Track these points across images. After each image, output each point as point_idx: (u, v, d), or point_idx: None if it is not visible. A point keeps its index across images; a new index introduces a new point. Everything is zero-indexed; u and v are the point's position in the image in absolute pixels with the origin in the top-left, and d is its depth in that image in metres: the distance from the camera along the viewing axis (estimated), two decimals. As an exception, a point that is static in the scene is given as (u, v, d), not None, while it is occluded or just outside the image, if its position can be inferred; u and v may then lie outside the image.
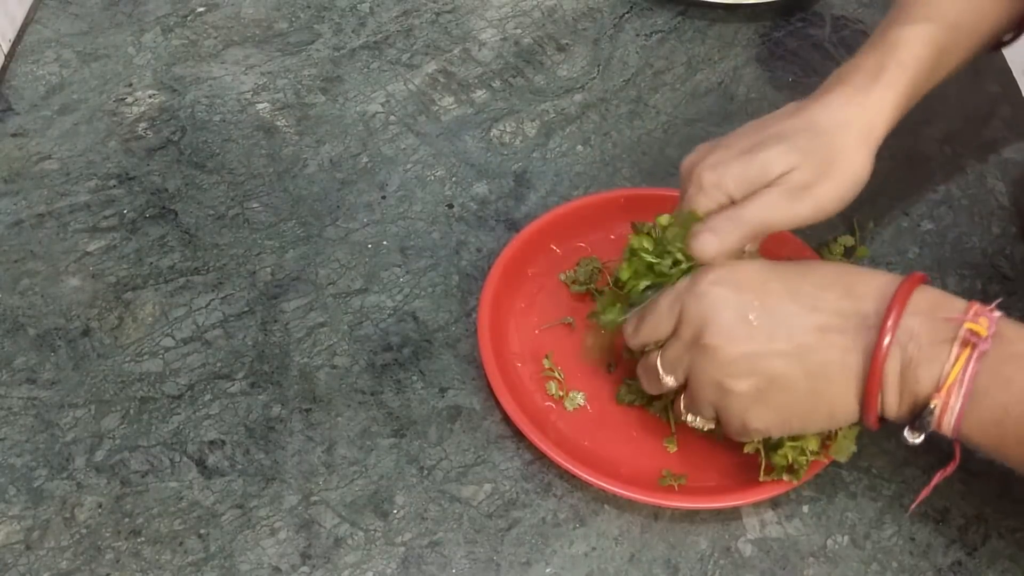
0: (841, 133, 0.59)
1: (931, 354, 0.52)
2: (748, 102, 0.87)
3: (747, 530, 0.62)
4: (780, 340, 0.54)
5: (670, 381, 0.59)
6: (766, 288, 0.55)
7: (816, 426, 0.58)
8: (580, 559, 0.61)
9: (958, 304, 0.53)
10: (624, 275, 0.61)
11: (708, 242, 0.57)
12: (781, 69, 0.89)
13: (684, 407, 0.60)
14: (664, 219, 0.60)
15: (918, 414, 0.53)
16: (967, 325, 0.51)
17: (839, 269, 0.57)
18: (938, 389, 0.52)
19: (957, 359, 0.51)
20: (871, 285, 0.54)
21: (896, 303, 0.52)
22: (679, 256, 0.59)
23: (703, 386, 0.57)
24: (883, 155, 0.82)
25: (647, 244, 0.60)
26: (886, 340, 0.52)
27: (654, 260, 0.59)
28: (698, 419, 0.60)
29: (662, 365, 0.58)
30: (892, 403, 0.54)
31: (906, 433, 0.54)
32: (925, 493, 0.57)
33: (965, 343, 0.51)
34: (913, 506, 0.62)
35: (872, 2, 0.96)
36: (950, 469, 0.55)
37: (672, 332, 0.57)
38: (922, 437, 0.53)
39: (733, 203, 0.58)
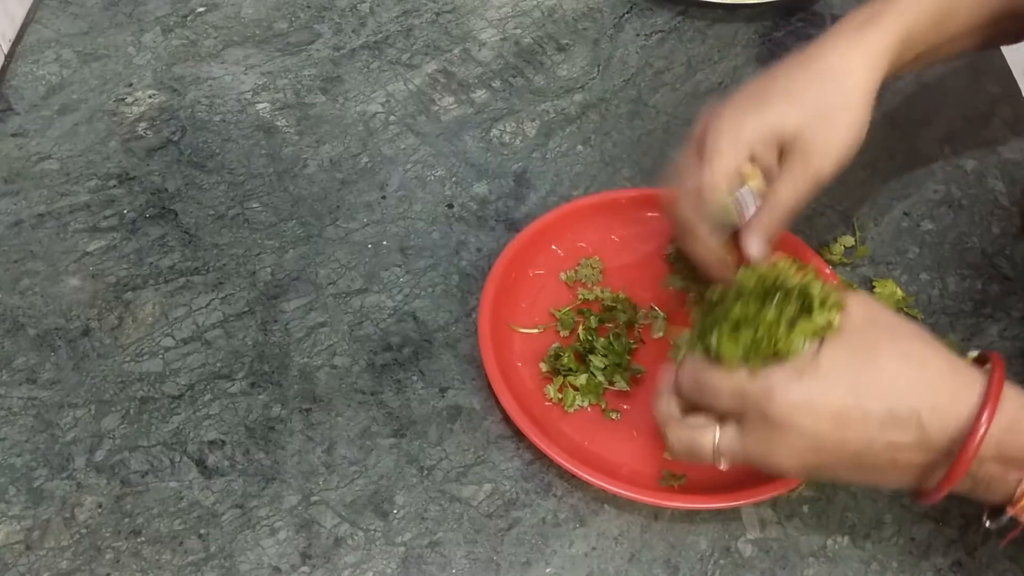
0: (844, 80, 0.61)
1: (1001, 477, 0.50)
2: (748, 102, 0.87)
3: (747, 530, 0.62)
4: (846, 459, 0.51)
5: (722, 464, 0.54)
6: (846, 421, 0.50)
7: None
8: (580, 559, 0.61)
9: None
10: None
11: (758, 246, 0.61)
12: (781, 69, 0.89)
13: (720, 447, 0.54)
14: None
15: (993, 510, 0.52)
16: None
17: (919, 369, 0.51)
18: (1012, 505, 0.51)
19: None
20: (953, 399, 0.50)
21: (976, 434, 0.48)
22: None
23: (753, 457, 0.53)
24: (883, 155, 0.82)
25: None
26: (961, 475, 0.49)
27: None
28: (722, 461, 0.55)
29: (717, 451, 0.53)
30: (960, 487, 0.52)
31: (985, 520, 0.53)
32: (1005, 543, 0.55)
33: None
34: (1004, 544, 0.58)
35: (872, 2, 0.96)
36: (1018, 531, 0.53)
37: (727, 415, 0.53)
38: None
39: (752, 160, 0.61)
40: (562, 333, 0.70)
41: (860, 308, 0.52)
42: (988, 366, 0.51)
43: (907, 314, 0.71)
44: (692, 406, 0.55)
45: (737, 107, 0.62)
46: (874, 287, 0.73)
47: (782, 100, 0.62)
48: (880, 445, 0.50)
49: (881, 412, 0.50)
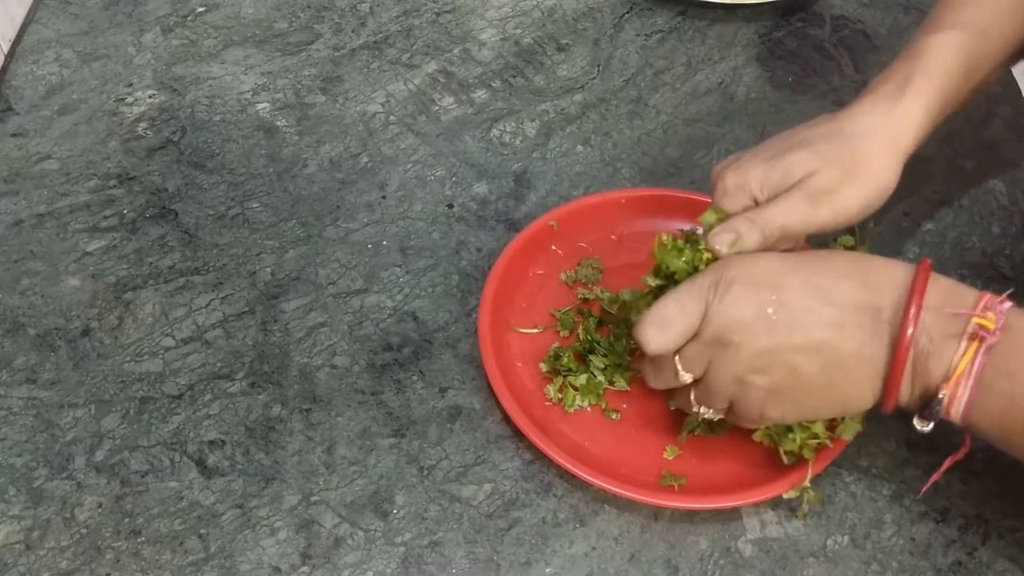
0: (866, 140, 0.60)
1: (941, 347, 0.53)
2: (748, 102, 0.87)
3: (747, 530, 0.62)
4: (799, 335, 0.55)
5: (687, 378, 0.58)
6: (783, 283, 0.55)
7: (829, 413, 0.59)
8: (580, 559, 0.61)
9: (968, 296, 0.54)
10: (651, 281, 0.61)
11: (725, 241, 0.59)
12: (781, 69, 0.89)
13: (696, 399, 0.60)
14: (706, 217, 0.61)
15: (928, 403, 0.54)
16: (975, 320, 0.52)
17: (853, 259, 0.58)
18: (947, 380, 0.53)
19: (965, 352, 0.52)
20: (886, 276, 0.55)
21: (915, 296, 0.53)
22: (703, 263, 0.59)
23: (723, 382, 0.57)
24: (883, 155, 0.82)
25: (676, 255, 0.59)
26: (908, 332, 0.52)
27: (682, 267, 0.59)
28: (709, 410, 0.60)
29: (681, 363, 0.58)
30: (904, 392, 0.55)
31: (915, 421, 0.55)
32: (936, 476, 0.58)
33: (973, 336, 0.52)
34: (924, 489, 0.62)
35: (872, 2, 0.96)
36: (961, 454, 0.56)
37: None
38: (931, 425, 0.55)
39: (757, 205, 0.60)
40: (562, 333, 0.70)
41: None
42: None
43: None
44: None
45: (752, 157, 0.61)
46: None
47: (798, 149, 0.60)
48: (828, 320, 0.54)
49: (824, 291, 0.55)
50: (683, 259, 0.59)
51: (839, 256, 0.59)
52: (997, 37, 0.65)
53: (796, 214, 0.59)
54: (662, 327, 0.57)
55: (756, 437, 0.62)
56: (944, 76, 0.62)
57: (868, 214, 0.61)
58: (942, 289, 0.54)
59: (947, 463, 0.57)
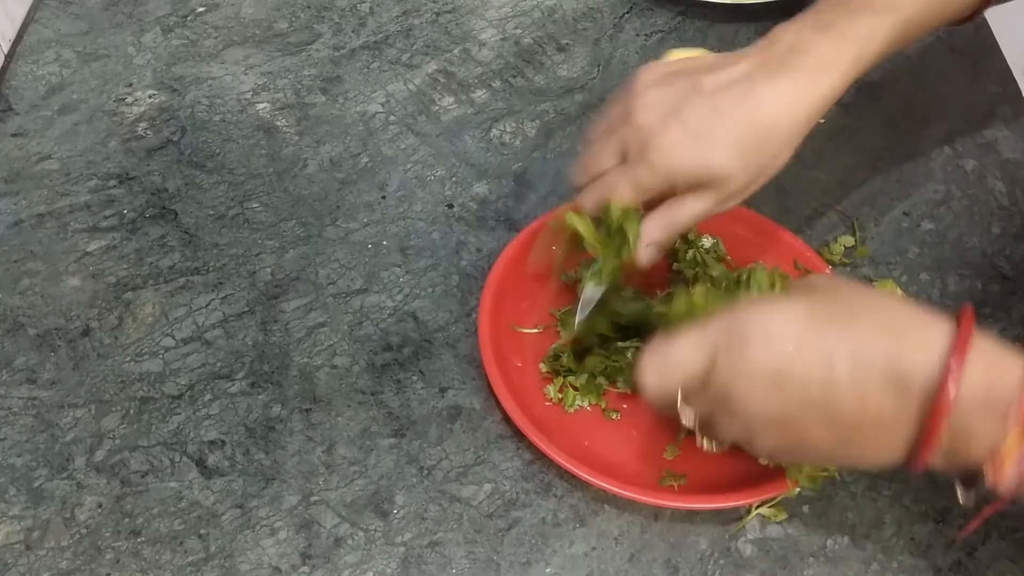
0: (782, 129, 0.57)
1: (983, 429, 0.47)
2: (748, 102, 0.87)
3: (747, 530, 0.62)
4: (814, 409, 0.50)
5: (689, 421, 0.55)
6: (802, 346, 0.50)
7: (842, 466, 0.58)
8: (580, 559, 0.61)
9: (1014, 369, 0.48)
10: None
11: (650, 255, 0.60)
12: (781, 69, 0.89)
13: (699, 430, 0.57)
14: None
15: (970, 477, 0.50)
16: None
17: (888, 313, 0.51)
18: (991, 461, 0.48)
19: (1008, 437, 0.47)
20: (922, 338, 0.49)
21: (951, 374, 0.47)
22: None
23: (727, 430, 0.54)
24: (883, 155, 0.82)
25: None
26: (943, 419, 0.47)
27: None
28: (713, 443, 0.58)
29: (683, 405, 0.54)
30: (936, 461, 0.50)
31: (959, 493, 0.51)
32: (977, 524, 0.53)
33: (1019, 422, 0.47)
34: (965, 532, 0.60)
35: (872, 2, 0.96)
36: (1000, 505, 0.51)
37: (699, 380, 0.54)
38: (974, 494, 0.51)
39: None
40: (563, 334, 0.70)
41: (823, 279, 0.56)
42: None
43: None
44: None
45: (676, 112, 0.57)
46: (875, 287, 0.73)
47: (721, 148, 0.57)
48: (847, 380, 0.49)
49: (847, 357, 0.49)
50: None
51: (873, 307, 0.51)
52: None
53: (707, 212, 0.59)
54: (662, 376, 0.54)
55: (763, 461, 0.61)
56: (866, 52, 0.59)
57: (758, 184, 0.59)
58: (985, 358, 0.48)
59: (988, 511, 0.51)
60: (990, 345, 0.48)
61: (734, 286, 0.62)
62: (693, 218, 0.59)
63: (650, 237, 0.60)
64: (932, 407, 0.47)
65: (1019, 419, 0.47)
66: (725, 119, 0.57)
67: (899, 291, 0.72)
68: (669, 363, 0.53)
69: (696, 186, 0.58)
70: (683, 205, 0.59)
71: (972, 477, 0.49)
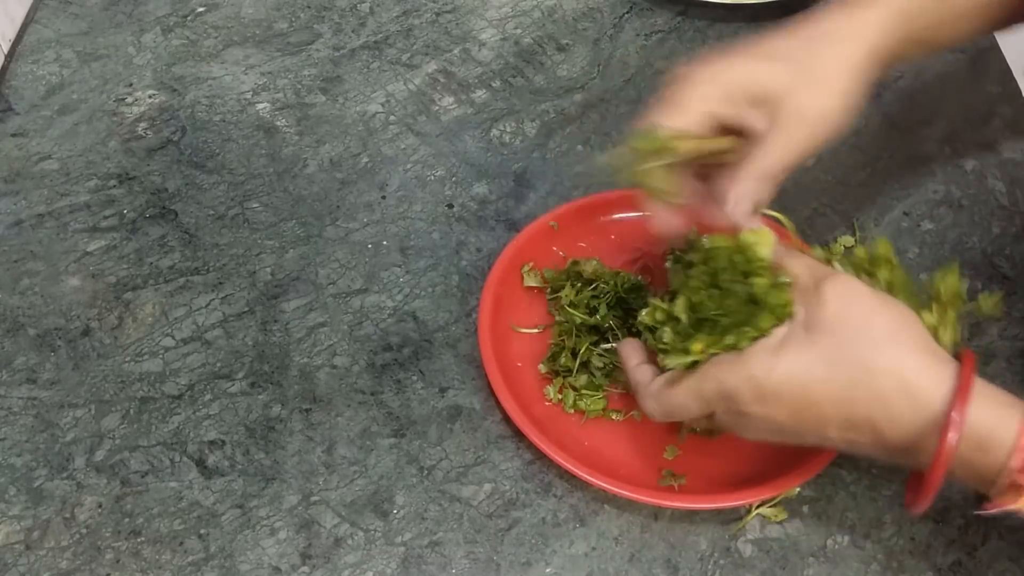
0: (837, 45, 0.58)
1: (980, 462, 0.50)
2: (748, 102, 0.87)
3: (747, 530, 0.62)
4: (812, 440, 0.55)
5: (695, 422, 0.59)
6: (798, 421, 0.53)
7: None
8: (580, 559, 0.61)
9: (1005, 435, 0.49)
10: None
11: (742, 211, 0.58)
12: (781, 69, 0.89)
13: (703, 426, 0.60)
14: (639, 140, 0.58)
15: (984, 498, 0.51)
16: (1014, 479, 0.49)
17: (883, 385, 0.51)
18: (995, 497, 0.50)
19: (1009, 494, 0.50)
20: (914, 406, 0.50)
21: (940, 460, 0.49)
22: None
23: (735, 432, 0.57)
24: (883, 155, 0.82)
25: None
26: (940, 479, 0.50)
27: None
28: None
29: (690, 420, 0.58)
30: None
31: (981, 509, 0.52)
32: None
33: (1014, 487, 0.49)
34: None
35: (872, 2, 0.96)
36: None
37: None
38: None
39: (714, 115, 0.58)
40: (562, 338, 0.70)
41: (834, 301, 0.52)
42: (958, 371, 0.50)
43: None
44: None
45: (714, 60, 0.59)
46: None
47: (767, 58, 0.58)
48: (839, 439, 0.53)
49: (837, 417, 0.52)
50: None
51: (874, 368, 0.51)
52: None
53: (796, 145, 0.58)
54: (666, 416, 0.58)
55: None
56: None
57: (842, 122, 0.59)
58: (978, 428, 0.49)
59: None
60: (986, 406, 0.50)
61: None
62: (775, 162, 0.58)
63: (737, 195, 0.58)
64: (927, 477, 0.50)
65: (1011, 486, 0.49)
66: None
67: (893, 258, 0.68)
68: (671, 410, 0.57)
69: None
70: (766, 145, 0.58)
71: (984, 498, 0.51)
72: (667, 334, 0.56)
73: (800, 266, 0.54)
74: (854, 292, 0.53)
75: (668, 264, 0.64)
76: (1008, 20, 0.67)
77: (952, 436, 0.48)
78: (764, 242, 0.55)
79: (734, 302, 0.54)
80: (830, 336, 0.51)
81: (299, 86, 0.86)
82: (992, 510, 0.50)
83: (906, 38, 0.61)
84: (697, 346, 0.54)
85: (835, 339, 0.51)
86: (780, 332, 0.53)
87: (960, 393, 0.49)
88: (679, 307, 0.56)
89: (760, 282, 0.54)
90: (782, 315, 0.53)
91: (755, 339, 0.53)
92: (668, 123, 0.58)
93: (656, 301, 0.58)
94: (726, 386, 0.53)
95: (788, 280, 0.54)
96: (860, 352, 0.51)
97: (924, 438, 0.50)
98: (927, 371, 0.50)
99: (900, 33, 0.60)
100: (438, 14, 0.93)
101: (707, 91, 0.58)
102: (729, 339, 0.53)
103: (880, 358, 0.51)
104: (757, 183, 0.58)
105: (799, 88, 0.57)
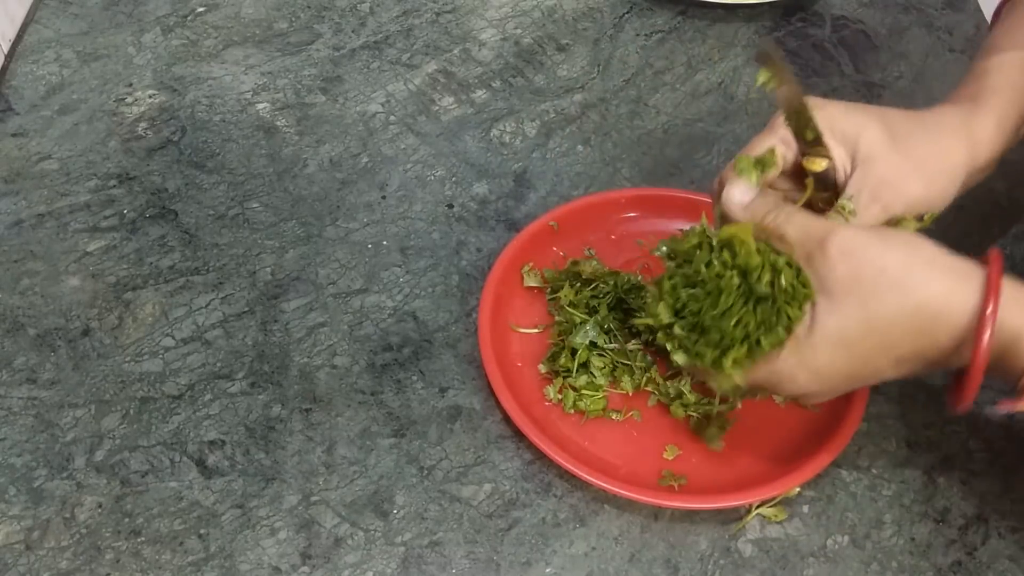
0: (943, 139, 0.60)
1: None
2: (748, 102, 0.87)
3: (747, 530, 0.62)
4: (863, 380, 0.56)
5: None
6: (856, 373, 0.55)
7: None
8: (580, 559, 0.61)
9: None
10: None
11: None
12: (781, 69, 0.89)
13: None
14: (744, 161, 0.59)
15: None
16: None
17: (914, 322, 0.53)
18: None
19: None
20: (951, 338, 0.52)
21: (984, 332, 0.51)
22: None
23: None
24: (883, 155, 0.82)
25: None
26: (979, 378, 0.52)
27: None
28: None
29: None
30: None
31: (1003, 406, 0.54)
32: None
33: None
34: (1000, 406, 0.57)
35: (872, 2, 0.96)
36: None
37: None
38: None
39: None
40: (562, 338, 0.70)
41: (842, 260, 0.53)
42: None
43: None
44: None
45: (828, 102, 0.61)
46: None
47: (869, 115, 0.60)
48: (895, 374, 0.54)
49: (888, 360, 0.53)
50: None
51: (902, 305, 0.53)
52: None
53: (863, 207, 0.59)
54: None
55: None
56: (1012, 93, 0.62)
57: (927, 204, 0.61)
58: (1008, 322, 0.51)
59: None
60: (1019, 294, 0.52)
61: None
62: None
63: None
64: (971, 362, 0.51)
65: None
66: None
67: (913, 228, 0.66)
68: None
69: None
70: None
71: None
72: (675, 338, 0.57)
73: (796, 229, 0.55)
74: (859, 243, 0.53)
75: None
76: None
77: (986, 336, 0.50)
78: (743, 231, 0.55)
79: (738, 302, 0.54)
80: (851, 295, 0.52)
81: (299, 86, 0.86)
82: (1004, 409, 0.52)
83: (1010, 138, 0.64)
84: (713, 353, 0.55)
85: (857, 297, 0.52)
86: (808, 310, 0.54)
87: (990, 293, 0.51)
88: (661, 309, 0.56)
89: (764, 279, 0.53)
90: (802, 298, 0.53)
91: (790, 328, 0.54)
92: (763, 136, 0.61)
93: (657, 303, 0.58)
94: (782, 376, 0.55)
95: (785, 259, 0.54)
96: (885, 299, 0.52)
97: (964, 344, 0.52)
98: (953, 291, 0.52)
99: (1007, 136, 0.63)
100: (438, 14, 0.93)
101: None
102: (765, 344, 0.54)
103: (906, 297, 0.52)
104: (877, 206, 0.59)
105: (903, 171, 0.59)
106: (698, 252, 0.56)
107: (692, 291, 0.55)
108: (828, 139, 0.59)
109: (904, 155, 0.59)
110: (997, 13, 0.70)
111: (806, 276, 0.53)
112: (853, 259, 0.52)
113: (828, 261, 0.53)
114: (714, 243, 0.55)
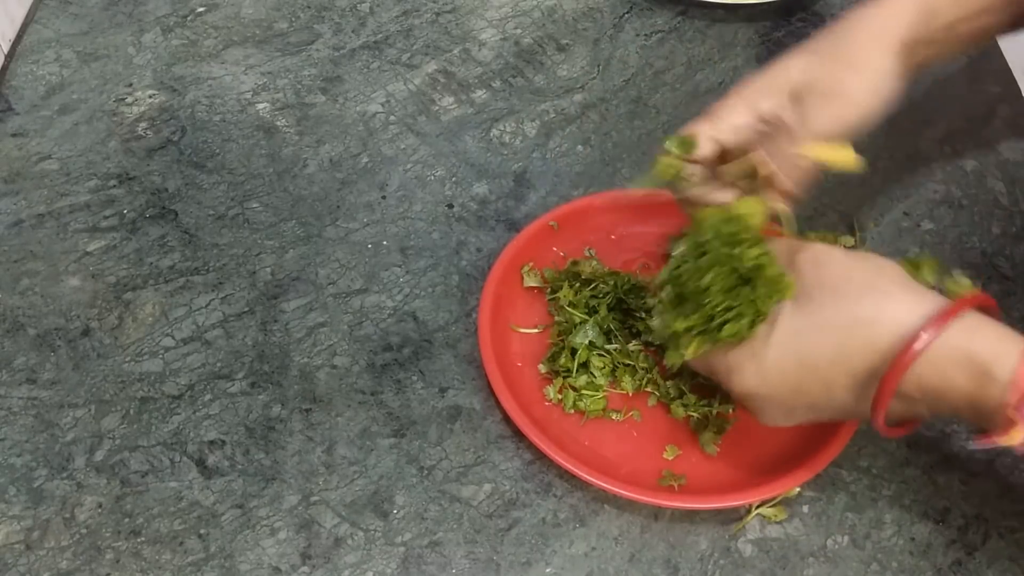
0: (857, 31, 0.61)
1: (962, 382, 0.49)
2: (748, 102, 0.87)
3: (747, 530, 0.62)
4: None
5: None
6: (803, 383, 0.54)
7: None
8: (580, 559, 0.61)
9: (1010, 345, 0.49)
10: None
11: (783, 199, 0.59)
12: (781, 69, 0.89)
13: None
14: (671, 142, 0.61)
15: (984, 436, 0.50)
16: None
17: (865, 314, 0.52)
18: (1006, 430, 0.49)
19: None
20: (898, 321, 0.51)
21: (923, 330, 0.49)
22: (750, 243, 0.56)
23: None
24: (883, 155, 0.82)
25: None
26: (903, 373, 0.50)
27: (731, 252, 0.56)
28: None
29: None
30: (897, 411, 0.52)
31: (974, 443, 0.52)
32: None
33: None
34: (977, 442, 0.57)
35: (872, 2, 0.96)
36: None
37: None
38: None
39: (758, 116, 0.60)
40: (562, 338, 0.70)
41: (809, 267, 0.54)
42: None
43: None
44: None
45: (761, 71, 0.62)
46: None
47: (802, 52, 0.61)
48: (849, 401, 0.53)
49: (840, 375, 0.52)
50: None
51: (859, 315, 0.52)
52: None
53: (822, 120, 0.59)
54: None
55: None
56: None
57: (880, 106, 0.60)
58: (976, 327, 0.50)
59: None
60: (991, 322, 0.50)
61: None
62: (812, 130, 0.60)
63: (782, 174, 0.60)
64: (887, 370, 0.50)
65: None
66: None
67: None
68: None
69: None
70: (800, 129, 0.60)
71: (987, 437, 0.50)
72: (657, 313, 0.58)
73: (777, 245, 0.56)
74: (827, 254, 0.54)
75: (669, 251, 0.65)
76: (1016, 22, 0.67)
77: (915, 345, 0.49)
78: (756, 212, 0.56)
79: (722, 280, 0.54)
80: (813, 301, 0.53)
81: (299, 86, 0.86)
82: (983, 443, 0.50)
83: (928, 37, 0.62)
84: (680, 325, 0.55)
85: (817, 302, 0.52)
86: (775, 310, 0.54)
87: (940, 316, 0.49)
88: (661, 277, 0.58)
89: (751, 253, 0.54)
90: (781, 289, 0.53)
91: (754, 324, 0.54)
92: (703, 124, 0.62)
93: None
94: (730, 365, 0.55)
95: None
96: (844, 307, 0.52)
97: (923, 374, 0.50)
98: (912, 310, 0.50)
99: (923, 28, 0.62)
100: (438, 14, 0.93)
101: (741, 96, 0.61)
102: (726, 331, 0.54)
103: (864, 309, 0.51)
104: (791, 159, 0.59)
105: (831, 70, 0.59)
106: (707, 221, 0.57)
107: (690, 263, 0.56)
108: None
109: (831, 62, 0.60)
110: None
111: (791, 279, 0.54)
112: (819, 267, 0.53)
113: (797, 269, 0.54)
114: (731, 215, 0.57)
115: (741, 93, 0.62)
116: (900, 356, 0.49)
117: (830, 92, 0.59)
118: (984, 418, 0.50)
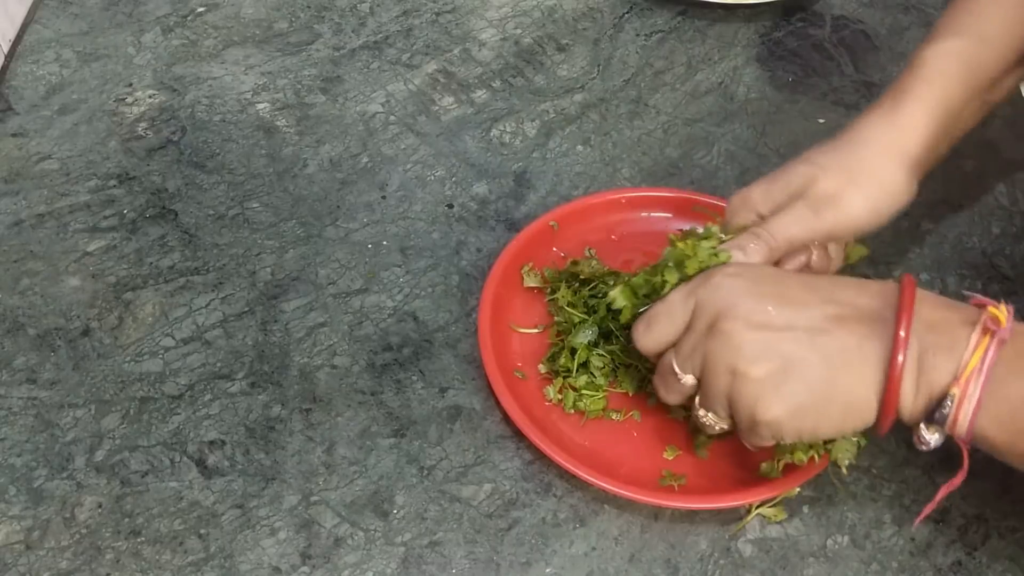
0: (866, 146, 0.61)
1: (950, 341, 0.51)
2: (748, 102, 0.87)
3: (747, 530, 0.62)
4: (797, 325, 0.54)
5: (689, 380, 0.57)
6: (782, 281, 0.56)
7: (830, 422, 0.55)
8: (580, 559, 0.61)
9: (962, 307, 0.53)
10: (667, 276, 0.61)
11: (735, 258, 0.60)
12: (781, 69, 0.89)
13: (698, 403, 0.58)
14: (707, 230, 0.63)
15: (935, 407, 0.52)
16: (990, 310, 0.51)
17: (847, 277, 0.58)
18: (956, 378, 0.51)
19: (977, 346, 0.50)
20: (879, 286, 0.55)
21: (907, 296, 0.52)
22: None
23: (717, 374, 0.55)
24: (883, 155, 0.82)
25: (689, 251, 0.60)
26: (902, 331, 0.51)
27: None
28: (710, 415, 0.58)
29: (677, 362, 0.57)
30: (908, 393, 0.52)
31: (922, 431, 0.53)
32: (931, 507, 0.56)
33: (985, 331, 0.51)
34: (919, 520, 0.61)
35: (872, 2, 0.96)
36: (958, 480, 0.54)
37: (686, 327, 0.57)
38: (937, 436, 0.53)
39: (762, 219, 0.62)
40: (561, 338, 0.70)
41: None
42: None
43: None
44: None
45: (758, 180, 0.63)
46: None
47: (798, 163, 0.62)
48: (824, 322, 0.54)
49: (815, 299, 0.55)
50: (699, 256, 0.60)
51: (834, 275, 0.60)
52: (999, 42, 0.64)
53: (800, 223, 0.60)
54: (648, 325, 0.59)
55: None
56: (942, 80, 0.62)
57: (880, 220, 0.62)
58: (935, 296, 0.54)
59: (943, 492, 0.54)
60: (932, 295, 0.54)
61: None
62: (784, 229, 0.61)
63: (738, 242, 0.61)
64: (896, 319, 0.52)
65: (982, 329, 0.51)
66: None
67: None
68: (653, 315, 0.59)
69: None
70: (773, 218, 0.62)
71: (939, 404, 0.52)
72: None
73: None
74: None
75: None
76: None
77: (900, 356, 0.51)
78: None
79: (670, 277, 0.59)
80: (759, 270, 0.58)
81: (299, 86, 0.86)
82: (922, 441, 0.54)
83: (947, 126, 0.64)
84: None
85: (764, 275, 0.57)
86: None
87: (903, 311, 0.52)
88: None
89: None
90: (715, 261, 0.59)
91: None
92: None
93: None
94: (713, 269, 0.58)
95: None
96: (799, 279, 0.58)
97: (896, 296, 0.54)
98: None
99: (940, 124, 0.63)
100: (438, 14, 0.93)
101: (744, 202, 0.63)
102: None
103: (825, 298, 0.56)
104: (759, 241, 0.60)
105: (825, 180, 0.61)
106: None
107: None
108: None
109: (837, 174, 0.61)
110: None
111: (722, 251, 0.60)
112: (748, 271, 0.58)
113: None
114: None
115: (746, 199, 0.63)
116: (890, 375, 0.52)
117: (829, 203, 0.60)
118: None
